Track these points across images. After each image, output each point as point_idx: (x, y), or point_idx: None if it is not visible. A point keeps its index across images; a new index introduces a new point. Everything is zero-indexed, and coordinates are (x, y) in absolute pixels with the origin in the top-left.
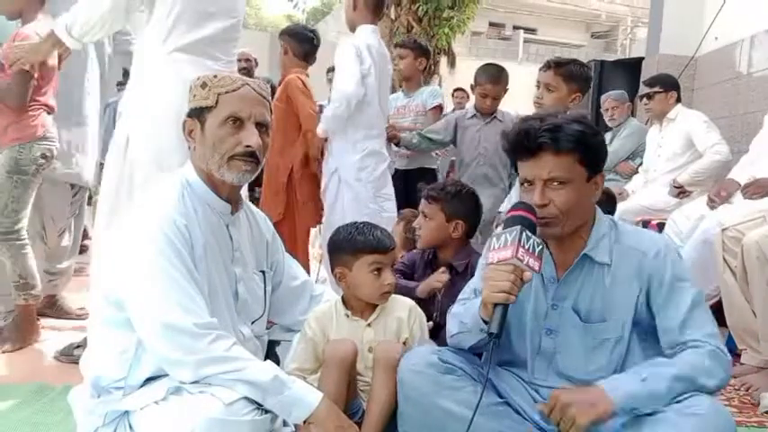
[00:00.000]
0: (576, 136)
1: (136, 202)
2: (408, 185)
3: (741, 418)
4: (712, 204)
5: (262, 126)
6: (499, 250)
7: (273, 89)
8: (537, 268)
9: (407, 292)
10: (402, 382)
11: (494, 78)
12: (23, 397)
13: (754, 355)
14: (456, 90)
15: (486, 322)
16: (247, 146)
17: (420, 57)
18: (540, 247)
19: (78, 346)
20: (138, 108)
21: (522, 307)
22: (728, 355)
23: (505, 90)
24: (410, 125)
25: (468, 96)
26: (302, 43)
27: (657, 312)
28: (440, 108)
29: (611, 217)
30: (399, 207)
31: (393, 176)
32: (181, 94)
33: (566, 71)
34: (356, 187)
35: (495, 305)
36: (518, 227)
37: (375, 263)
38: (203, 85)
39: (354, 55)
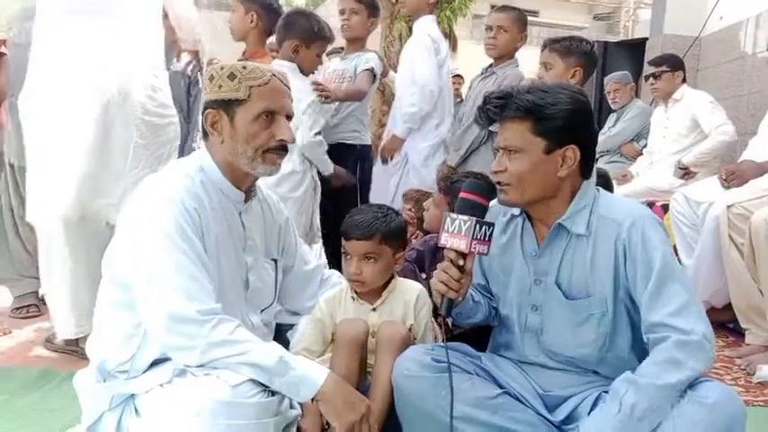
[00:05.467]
0: (525, 105)
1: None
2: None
3: (748, 397)
4: (727, 186)
5: (288, 117)
6: (453, 235)
7: None
8: (486, 251)
9: None
10: (399, 388)
11: None
12: (28, 382)
13: (759, 334)
14: (453, 76)
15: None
16: (281, 139)
17: (372, 17)
18: (492, 229)
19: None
20: None
21: (507, 281)
22: (695, 334)
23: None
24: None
25: (463, 82)
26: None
27: (631, 286)
28: (371, 72)
29: (601, 191)
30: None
31: None
32: None
33: (560, 47)
34: (423, 173)
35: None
36: (473, 219)
37: (344, 251)
38: (231, 77)
39: (432, 46)
